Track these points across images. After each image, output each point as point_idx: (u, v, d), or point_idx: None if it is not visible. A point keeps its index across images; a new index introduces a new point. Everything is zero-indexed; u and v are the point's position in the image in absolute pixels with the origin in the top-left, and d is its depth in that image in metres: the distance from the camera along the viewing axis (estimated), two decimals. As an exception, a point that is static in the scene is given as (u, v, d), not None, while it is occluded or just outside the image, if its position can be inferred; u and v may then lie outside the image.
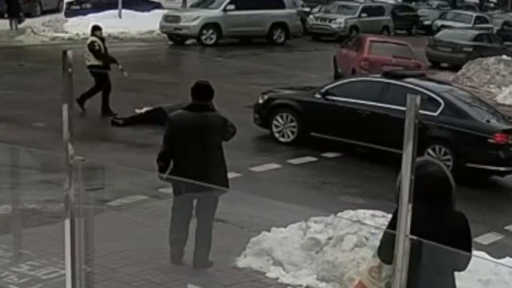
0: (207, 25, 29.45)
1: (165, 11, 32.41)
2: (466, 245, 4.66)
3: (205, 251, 7.83)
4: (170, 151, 7.81)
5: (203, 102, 7.85)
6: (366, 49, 22.86)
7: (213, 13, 29.87)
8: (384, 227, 5.61)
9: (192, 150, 7.70)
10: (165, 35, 30.48)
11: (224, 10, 29.94)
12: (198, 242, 7.80)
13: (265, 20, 30.82)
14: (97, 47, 16.24)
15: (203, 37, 29.49)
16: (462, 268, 4.81)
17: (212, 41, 29.55)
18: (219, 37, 29.65)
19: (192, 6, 34.68)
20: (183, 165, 7.70)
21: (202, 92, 7.94)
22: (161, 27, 30.29)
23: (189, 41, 30.05)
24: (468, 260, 4.76)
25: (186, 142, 7.72)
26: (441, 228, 4.53)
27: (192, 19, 29.53)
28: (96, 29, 16.86)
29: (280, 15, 31.27)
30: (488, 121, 13.97)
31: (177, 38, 30.08)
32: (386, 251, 4.57)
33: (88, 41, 16.68)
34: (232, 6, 30.01)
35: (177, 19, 29.76)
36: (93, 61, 16.31)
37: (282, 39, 31.50)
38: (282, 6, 31.61)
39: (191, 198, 7.84)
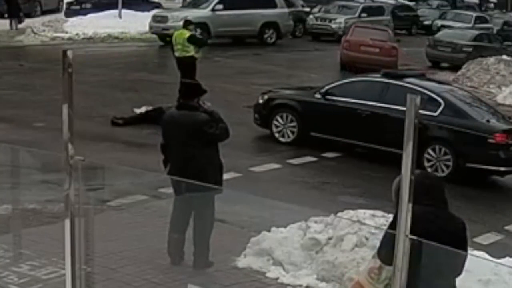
0: (195, 25, 28.94)
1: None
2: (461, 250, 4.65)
3: (204, 251, 7.82)
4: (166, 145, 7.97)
5: (186, 100, 7.85)
6: (349, 33, 27.04)
7: (201, 13, 29.27)
8: (384, 227, 5.61)
9: (175, 148, 7.79)
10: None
11: (213, 10, 29.45)
12: (196, 243, 7.80)
13: (255, 20, 30.40)
14: (199, 37, 16.53)
15: None
16: (459, 272, 4.81)
17: None
18: (208, 37, 28.77)
19: (183, 6, 34.40)
20: (171, 162, 7.83)
21: (185, 90, 7.98)
22: (150, 28, 29.80)
23: None
24: (463, 263, 4.76)
25: (170, 139, 7.84)
26: (439, 229, 4.53)
27: (180, 19, 28.99)
28: (189, 23, 17.57)
29: (271, 14, 30.86)
30: (488, 121, 13.97)
31: (166, 38, 29.66)
32: (386, 252, 4.57)
33: (186, 35, 16.75)
34: (220, 6, 29.54)
35: (164, 19, 29.12)
36: (193, 52, 16.49)
37: (273, 39, 31.07)
38: (273, 5, 31.20)
39: (184, 197, 7.84)
